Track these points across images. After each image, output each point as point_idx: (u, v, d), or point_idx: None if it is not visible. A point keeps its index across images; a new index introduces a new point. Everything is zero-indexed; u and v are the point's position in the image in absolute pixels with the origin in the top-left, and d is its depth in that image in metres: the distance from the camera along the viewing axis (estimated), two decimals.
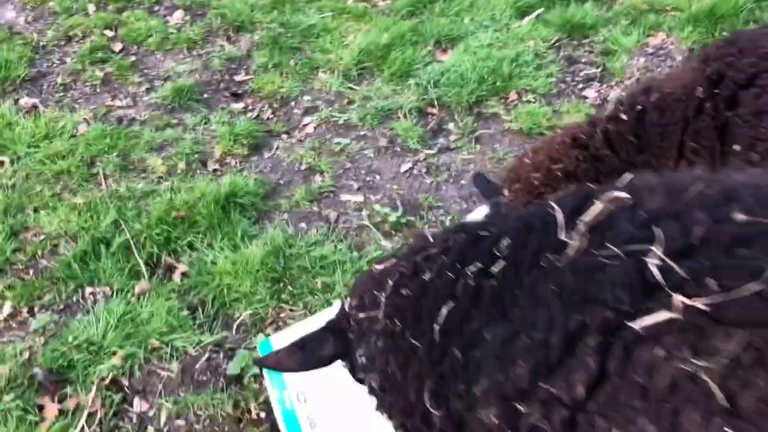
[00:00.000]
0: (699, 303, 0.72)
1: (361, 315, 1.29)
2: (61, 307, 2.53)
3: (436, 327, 1.03)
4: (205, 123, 3.28)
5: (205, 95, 3.46)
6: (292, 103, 3.40)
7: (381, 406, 1.29)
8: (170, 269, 2.62)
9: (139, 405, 2.25)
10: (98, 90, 3.49)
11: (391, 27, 3.72)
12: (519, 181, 2.11)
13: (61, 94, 3.46)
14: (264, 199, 2.89)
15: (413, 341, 1.08)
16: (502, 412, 0.88)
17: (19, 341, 2.38)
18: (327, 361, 1.41)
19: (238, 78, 3.57)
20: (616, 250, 0.82)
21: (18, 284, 2.55)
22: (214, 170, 3.06)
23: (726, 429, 0.67)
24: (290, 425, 2.02)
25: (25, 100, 3.37)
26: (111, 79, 3.55)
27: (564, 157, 2.04)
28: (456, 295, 1.01)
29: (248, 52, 3.72)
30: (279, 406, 2.05)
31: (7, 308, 2.50)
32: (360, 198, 2.89)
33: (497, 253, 0.98)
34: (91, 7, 3.97)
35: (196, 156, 3.10)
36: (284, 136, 3.23)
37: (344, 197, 2.90)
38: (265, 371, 2.11)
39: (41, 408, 2.21)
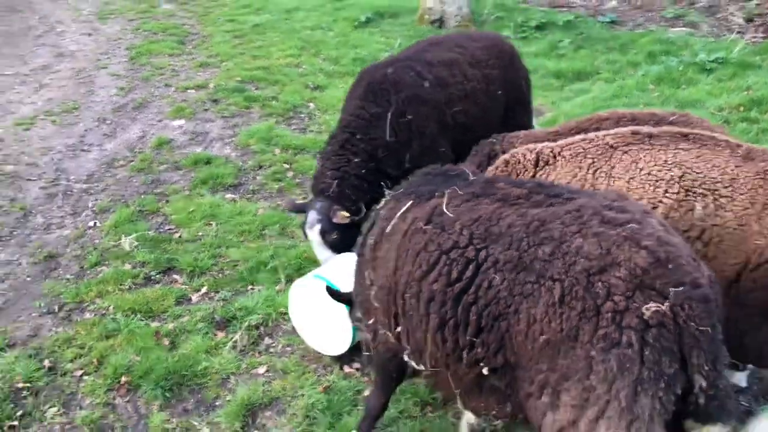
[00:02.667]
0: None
1: None
2: (233, 293, 4.19)
3: None
4: None
5: None
6: None
7: None
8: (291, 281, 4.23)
9: (268, 340, 3.76)
10: (274, 195, 5.44)
11: None
12: None
13: (250, 195, 5.43)
14: None
15: None
16: None
17: (208, 306, 4.04)
18: None
19: None
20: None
21: (212, 280, 4.27)
22: None
23: None
24: None
25: (230, 195, 5.39)
26: (283, 191, 5.50)
27: None
28: None
29: None
30: None
31: (203, 290, 4.20)
32: None
33: None
34: (277, 150, 6.10)
35: None
36: None
37: None
38: None
39: (215, 334, 3.79)
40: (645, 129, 2.85)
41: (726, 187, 2.59)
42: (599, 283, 1.85)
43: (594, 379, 1.81)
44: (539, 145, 2.93)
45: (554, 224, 2.02)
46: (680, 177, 2.64)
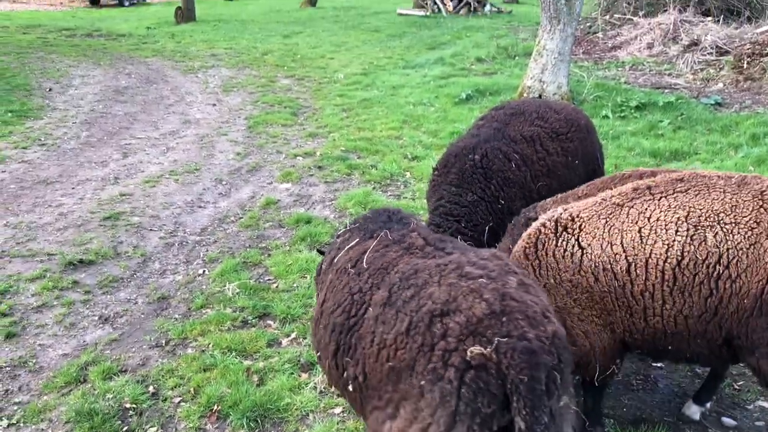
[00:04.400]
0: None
1: None
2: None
3: None
4: None
5: None
6: None
7: None
8: None
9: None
10: None
11: None
12: None
13: None
14: None
15: None
16: None
17: (296, 350, 4.38)
18: None
19: None
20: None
21: (301, 327, 4.63)
22: None
23: None
24: None
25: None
26: None
27: None
28: None
29: None
30: None
31: (293, 335, 4.56)
32: None
33: None
34: None
35: None
36: None
37: None
38: None
39: (299, 375, 4.11)
40: (643, 183, 3.14)
41: (729, 214, 2.86)
42: (439, 324, 2.16)
43: (423, 404, 2.12)
44: (556, 213, 3.15)
45: (423, 273, 2.40)
46: (686, 216, 2.93)
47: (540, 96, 10.06)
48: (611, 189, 3.35)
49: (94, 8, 36.71)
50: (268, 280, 5.38)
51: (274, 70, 14.57)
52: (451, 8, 23.61)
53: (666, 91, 10.80)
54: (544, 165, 4.45)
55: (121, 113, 10.72)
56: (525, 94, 10.23)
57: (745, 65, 11.01)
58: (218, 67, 14.92)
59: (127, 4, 37.91)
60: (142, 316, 4.87)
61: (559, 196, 3.79)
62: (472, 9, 23.57)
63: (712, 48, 12.20)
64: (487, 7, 23.76)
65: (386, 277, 2.52)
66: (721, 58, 11.94)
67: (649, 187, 3.09)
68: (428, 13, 23.32)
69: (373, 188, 7.34)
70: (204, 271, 5.55)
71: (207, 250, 5.93)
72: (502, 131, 4.54)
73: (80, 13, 33.00)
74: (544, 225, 3.17)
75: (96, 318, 4.82)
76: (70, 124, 10.01)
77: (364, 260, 2.69)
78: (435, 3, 23.80)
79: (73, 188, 7.35)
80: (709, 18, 14.01)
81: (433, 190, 4.51)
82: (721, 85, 10.97)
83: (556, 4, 9.78)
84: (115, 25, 24.30)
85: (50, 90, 12.20)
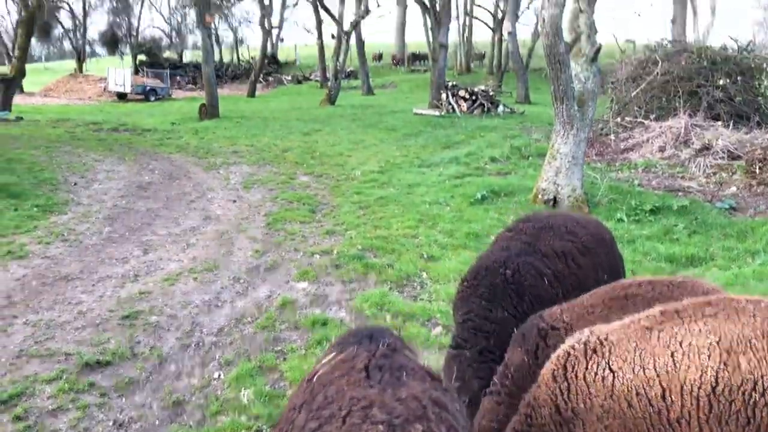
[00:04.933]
0: None
1: None
2: None
3: None
4: None
5: None
6: None
7: None
8: None
9: None
10: None
11: None
12: None
13: None
14: None
15: None
16: None
17: None
18: None
19: None
20: None
21: None
22: None
23: None
24: None
25: None
26: None
27: None
28: None
29: None
30: None
31: None
32: None
33: None
34: (388, 316, 6.53)
35: None
36: None
37: None
38: None
39: None
40: (670, 306, 3.09)
41: (762, 339, 2.80)
42: None
43: None
44: (583, 335, 3.14)
45: (335, 404, 2.30)
46: (718, 341, 2.85)
47: (555, 198, 10.22)
48: (617, 299, 3.36)
49: (121, 102, 38.27)
50: (283, 386, 5.32)
51: (293, 167, 14.95)
52: (465, 108, 24.36)
53: (680, 194, 10.93)
54: (576, 280, 4.39)
55: (144, 209, 10.97)
56: (540, 196, 10.39)
57: (757, 170, 11.17)
58: (239, 163, 15.34)
59: (152, 99, 39.53)
60: (157, 422, 4.82)
61: (565, 305, 3.75)
62: (485, 109, 24.29)
63: (723, 152, 12.43)
64: (500, 108, 24.47)
65: (315, 399, 2.42)
66: (733, 162, 12.13)
67: (677, 311, 3.09)
68: (443, 113, 24.04)
69: (390, 289, 7.36)
70: (219, 374, 5.52)
71: (223, 353, 5.91)
72: (534, 245, 4.51)
73: (107, 107, 34.39)
74: (573, 347, 3.16)
75: (110, 423, 4.77)
76: (93, 219, 10.24)
77: (315, 377, 2.58)
78: (450, 103, 24.58)
79: (93, 285, 7.44)
80: (719, 122, 14.34)
81: (461, 302, 4.42)
82: (734, 189, 11.09)
83: (569, 110, 10.09)
84: (140, 119, 25.22)
85: (75, 184, 12.57)
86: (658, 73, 15.79)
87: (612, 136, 15.81)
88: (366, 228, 9.75)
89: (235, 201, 11.67)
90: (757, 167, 11.21)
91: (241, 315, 6.76)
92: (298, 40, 62.47)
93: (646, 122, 15.48)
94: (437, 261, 8.18)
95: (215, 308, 6.94)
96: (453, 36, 40.61)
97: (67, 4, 46.69)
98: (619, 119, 16.52)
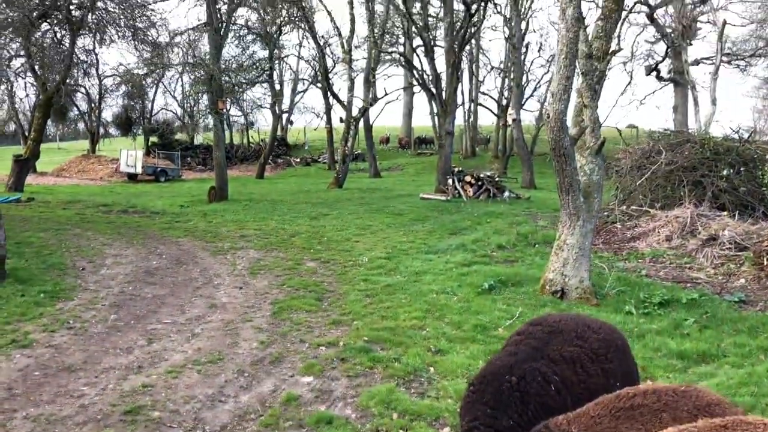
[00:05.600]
0: None
1: None
2: None
3: None
4: None
5: None
6: None
7: None
8: None
9: None
10: None
11: None
12: None
13: None
14: None
15: None
16: None
17: None
18: None
19: None
20: None
21: None
22: None
23: None
24: None
25: None
26: None
27: None
28: None
29: None
30: None
31: None
32: None
33: None
34: (395, 414, 6.39)
35: None
36: None
37: None
38: None
39: None
40: (685, 428, 3.02)
41: None
42: None
43: None
44: None
45: None
46: None
47: (562, 290, 10.19)
48: (624, 410, 3.32)
49: (132, 183, 38.93)
50: None
51: (300, 252, 15.02)
52: (471, 193, 24.67)
53: (688, 285, 10.89)
54: (585, 388, 4.31)
55: (150, 295, 10.97)
56: (547, 287, 10.37)
57: (765, 262, 11.16)
58: (247, 248, 15.43)
59: (163, 180, 40.24)
60: None
61: (571, 414, 3.68)
62: (491, 194, 24.58)
63: (730, 243, 12.45)
64: (506, 193, 24.77)
65: None
66: (740, 253, 12.14)
67: None
68: (449, 198, 24.33)
69: (396, 384, 7.24)
70: None
71: None
72: (542, 350, 4.46)
73: (118, 188, 34.97)
74: None
75: None
76: (99, 306, 10.23)
77: None
78: (456, 188, 24.90)
79: (96, 377, 7.36)
80: (725, 213, 14.44)
81: (466, 409, 4.35)
82: (743, 281, 11.05)
83: (575, 202, 10.20)
84: (149, 201, 25.57)
85: (83, 269, 12.63)
86: (662, 162, 16.04)
87: (618, 225, 15.90)
88: (373, 318, 9.69)
89: (241, 288, 11.67)
90: (765, 259, 11.20)
91: (244, 412, 6.64)
92: (307, 122, 63.98)
93: (651, 211, 15.60)
94: (445, 355, 8.09)
95: (219, 403, 6.83)
96: (458, 120, 41.60)
97: (84, 88, 48.19)
98: (624, 207, 16.66)
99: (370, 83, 33.41)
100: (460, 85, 36.63)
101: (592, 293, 10.13)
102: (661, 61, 39.42)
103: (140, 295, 10.98)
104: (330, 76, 40.37)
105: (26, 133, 45.03)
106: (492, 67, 53.49)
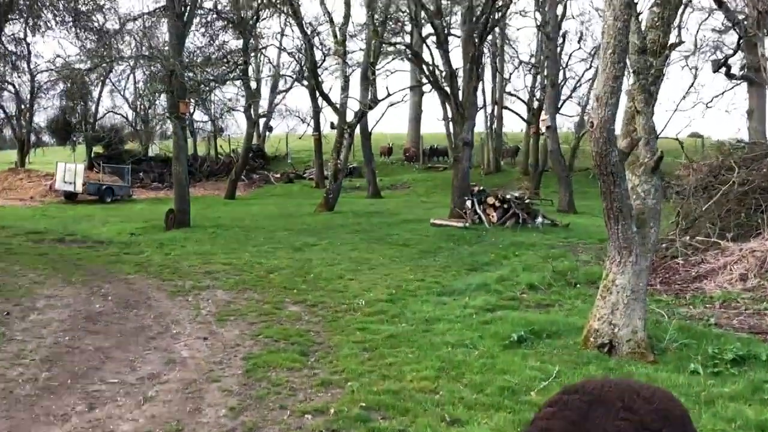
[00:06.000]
0: None
1: None
2: None
3: None
4: None
5: None
6: None
7: None
8: None
9: None
10: None
11: None
12: None
13: None
14: None
15: None
16: None
17: None
18: None
19: None
20: None
21: None
22: None
23: None
24: None
25: None
26: None
27: None
28: None
29: None
30: None
31: None
32: None
33: None
34: None
35: None
36: None
37: None
38: None
39: None
40: None
41: None
42: None
43: None
44: None
45: None
46: None
47: (611, 342, 10.17)
48: None
49: (70, 204, 39.03)
50: None
51: (281, 293, 15.02)
52: (495, 219, 24.73)
53: None
54: None
55: (92, 348, 10.96)
56: (591, 339, 10.35)
57: None
58: (213, 288, 15.44)
59: (108, 200, 40.38)
60: None
61: None
62: (520, 220, 24.62)
63: None
64: (539, 219, 24.83)
65: None
66: None
67: None
68: (468, 224, 24.38)
69: None
70: None
71: None
72: (580, 426, 4.47)
73: (52, 210, 35.06)
74: None
75: None
76: (28, 361, 10.21)
77: None
78: (476, 212, 24.97)
79: None
80: None
81: None
82: None
83: (626, 232, 10.22)
84: (92, 228, 25.66)
85: (8, 314, 12.63)
86: (734, 182, 16.09)
87: (680, 260, 15.91)
88: (372, 378, 9.65)
89: (206, 339, 11.65)
90: None
91: None
92: (289, 128, 64.26)
93: (722, 243, 15.62)
94: (463, 426, 8.04)
95: None
96: (479, 127, 41.82)
97: (12, 85, 48.59)
98: (687, 238, 16.68)
99: (368, 81, 33.70)
100: (480, 83, 36.94)
101: (648, 347, 10.10)
102: (732, 55, 39.65)
103: (79, 348, 10.96)
104: (319, 72, 40.73)
105: None
106: (520, 62, 54.01)
